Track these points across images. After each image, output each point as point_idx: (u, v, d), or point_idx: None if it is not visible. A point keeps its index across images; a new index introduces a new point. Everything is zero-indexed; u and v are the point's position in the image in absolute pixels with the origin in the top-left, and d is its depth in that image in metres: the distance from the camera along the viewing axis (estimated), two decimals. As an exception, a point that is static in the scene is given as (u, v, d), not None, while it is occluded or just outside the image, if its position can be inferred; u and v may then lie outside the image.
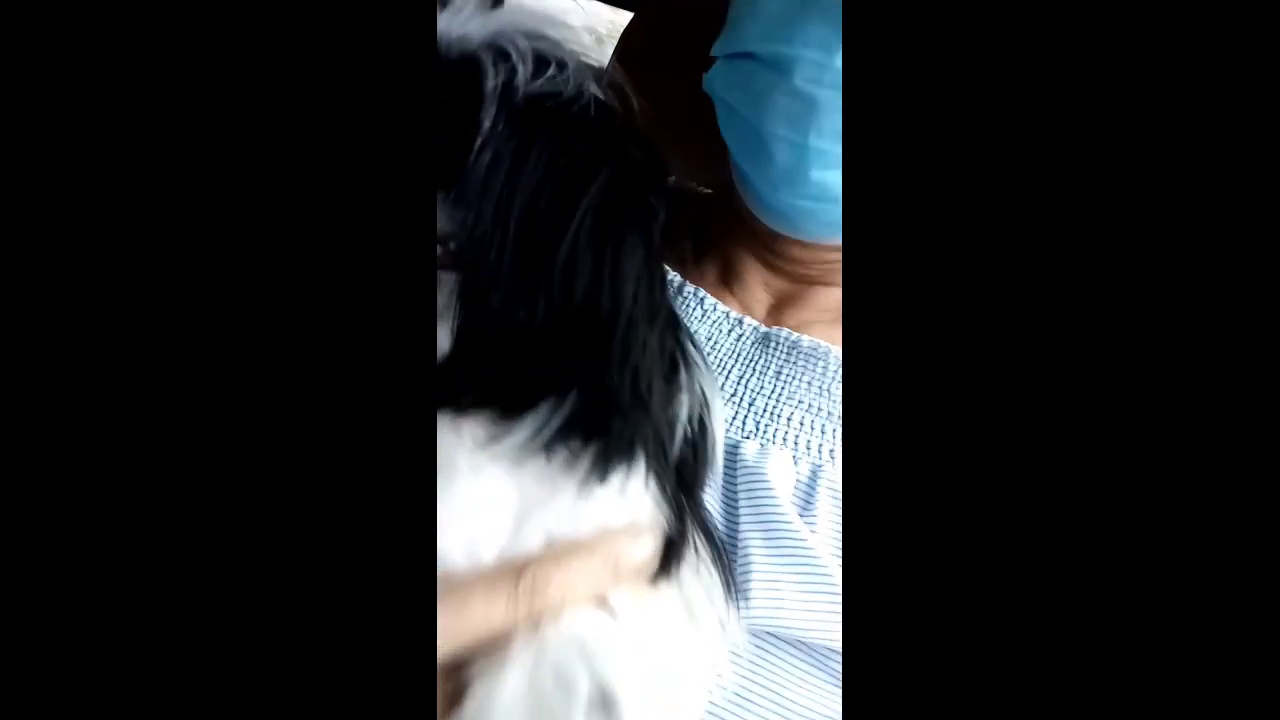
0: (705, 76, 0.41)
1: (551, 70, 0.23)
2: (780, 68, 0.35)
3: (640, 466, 0.24)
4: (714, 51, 0.41)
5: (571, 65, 0.24)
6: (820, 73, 0.34)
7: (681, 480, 0.27)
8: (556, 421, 0.21)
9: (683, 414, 0.26)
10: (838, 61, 0.33)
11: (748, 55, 0.37)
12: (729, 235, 0.45)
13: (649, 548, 0.25)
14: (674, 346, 0.27)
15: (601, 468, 0.22)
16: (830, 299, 0.43)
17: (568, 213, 0.21)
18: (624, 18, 0.66)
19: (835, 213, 0.37)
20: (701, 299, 0.42)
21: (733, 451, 0.38)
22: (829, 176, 0.36)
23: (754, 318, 0.43)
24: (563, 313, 0.21)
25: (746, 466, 0.36)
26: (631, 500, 0.24)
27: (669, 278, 0.44)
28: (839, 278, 0.42)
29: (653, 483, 0.25)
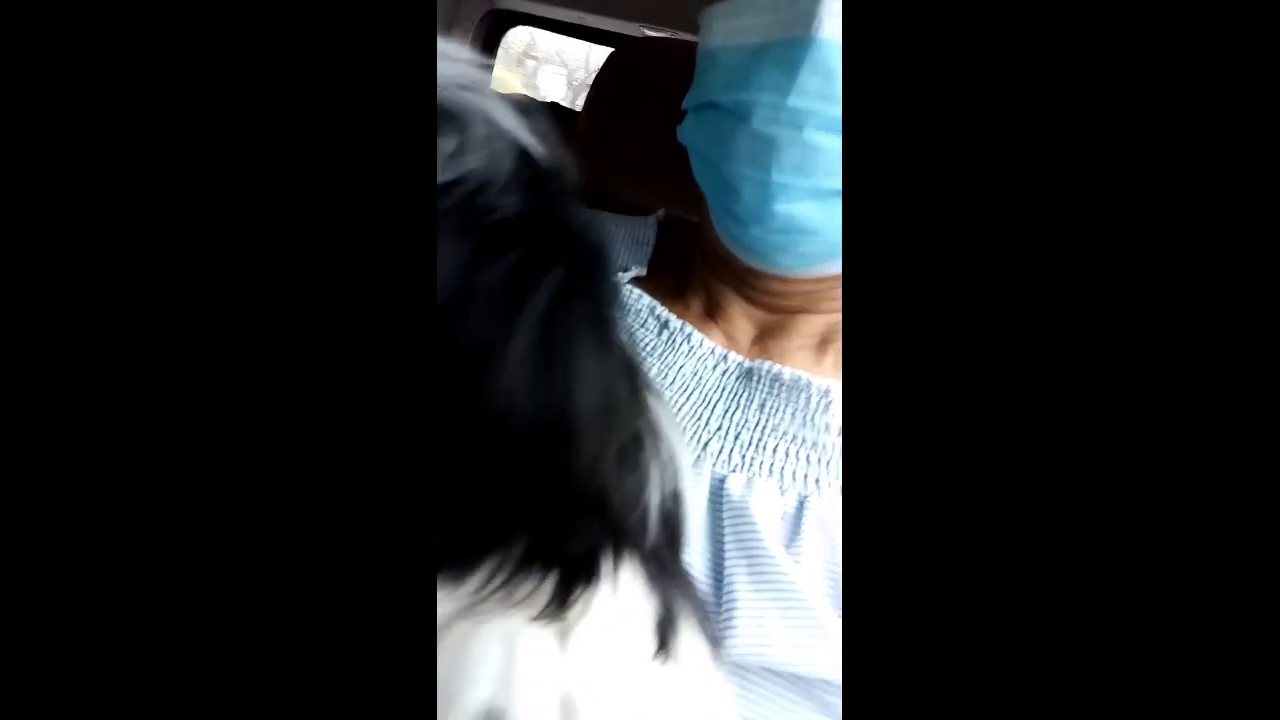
0: (679, 129, 0.42)
1: (453, 147, 0.21)
2: (739, 113, 0.36)
3: (608, 575, 0.23)
4: (684, 105, 0.42)
5: (479, 137, 0.22)
6: (775, 113, 0.35)
7: (660, 563, 0.26)
8: (510, 563, 0.20)
9: (654, 497, 0.25)
10: (790, 101, 0.34)
11: (712, 105, 0.38)
12: (710, 270, 0.45)
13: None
14: (639, 422, 0.25)
15: (562, 594, 0.21)
16: (812, 325, 0.43)
17: (504, 335, 0.20)
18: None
19: (804, 244, 0.38)
20: (688, 335, 0.43)
21: (719, 486, 0.38)
22: (794, 209, 0.36)
23: (739, 349, 0.43)
24: (514, 436, 0.20)
25: (732, 503, 0.37)
26: (603, 612, 0.23)
27: (657, 312, 0.44)
28: (819, 304, 0.43)
29: (629, 581, 0.24)
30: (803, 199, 0.36)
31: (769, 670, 0.34)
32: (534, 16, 1.36)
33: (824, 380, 0.40)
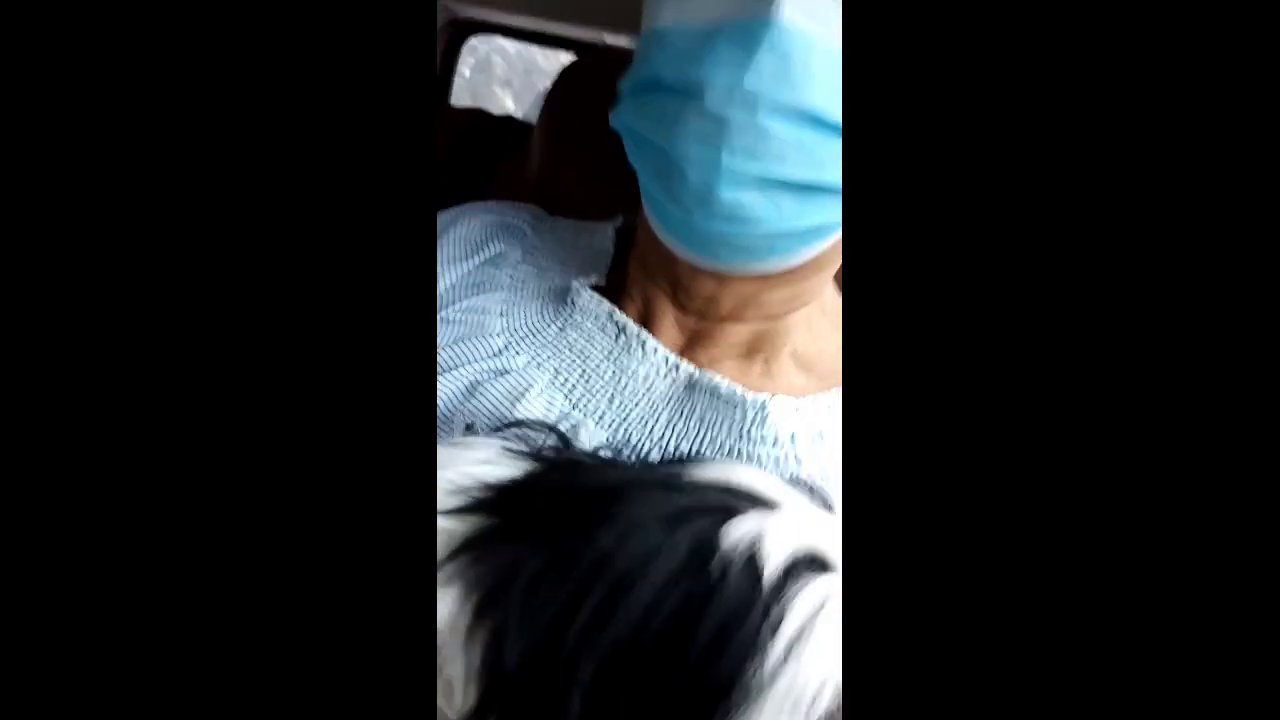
0: (611, 114, 0.40)
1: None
2: (690, 92, 0.34)
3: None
4: (621, 86, 0.40)
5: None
6: (730, 93, 0.33)
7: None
8: None
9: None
10: (747, 82, 0.33)
11: (656, 84, 0.36)
12: (646, 274, 0.45)
13: None
14: None
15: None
16: (739, 334, 0.44)
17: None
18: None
19: (748, 237, 0.37)
20: (644, 341, 0.43)
21: None
22: (742, 196, 0.35)
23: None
24: None
25: None
26: None
27: (615, 317, 0.44)
28: (746, 313, 0.43)
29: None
30: (749, 186, 0.35)
31: None
32: (495, 24, 1.36)
33: (758, 395, 0.41)
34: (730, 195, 0.35)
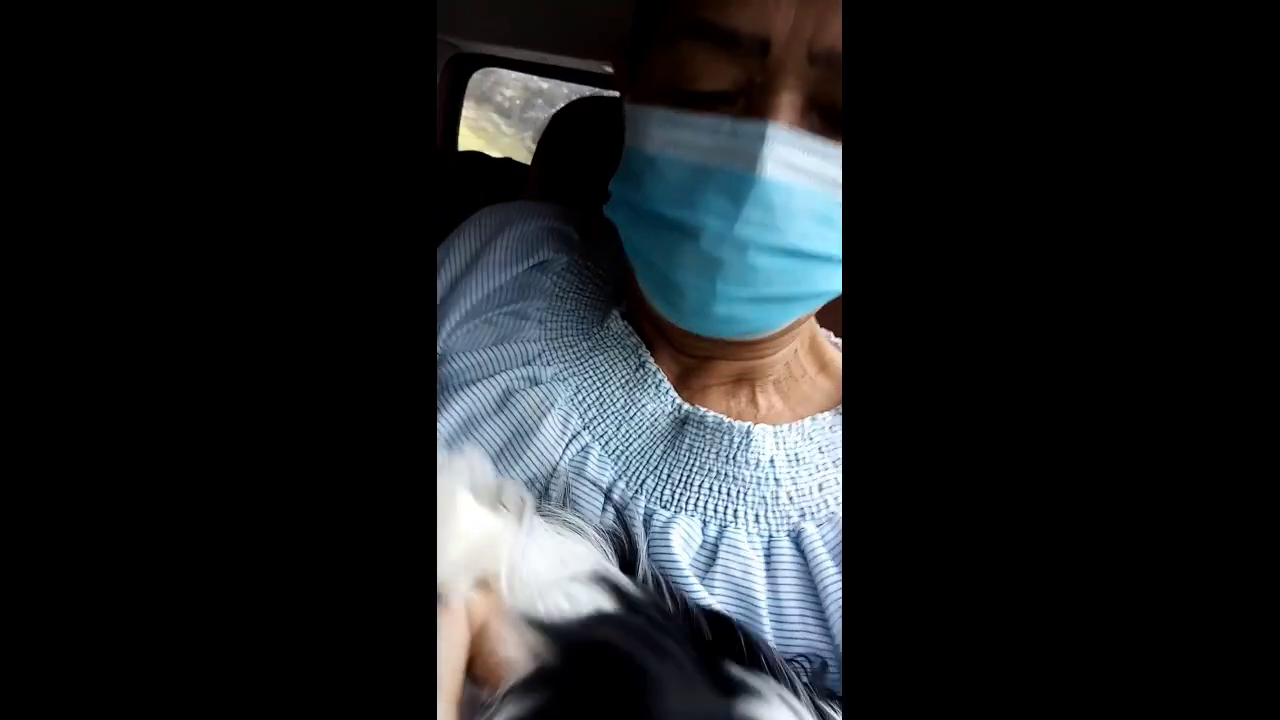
0: (606, 208, 0.45)
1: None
2: (687, 232, 0.38)
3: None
4: (613, 190, 0.44)
5: None
6: (722, 239, 0.38)
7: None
8: None
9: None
10: (737, 230, 0.37)
11: (654, 215, 0.40)
12: (643, 319, 0.50)
13: None
14: None
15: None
16: (729, 369, 0.48)
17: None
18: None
19: (742, 327, 0.42)
20: (659, 381, 0.48)
21: (648, 519, 0.43)
22: (734, 310, 0.40)
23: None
24: None
25: (654, 535, 0.42)
26: None
27: (640, 353, 0.49)
28: (741, 354, 0.48)
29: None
30: (740, 303, 0.40)
31: None
32: (498, 58, 1.40)
33: (743, 423, 0.45)
34: (724, 310, 0.41)
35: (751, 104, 0.36)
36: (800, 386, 0.50)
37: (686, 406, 0.47)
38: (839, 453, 0.46)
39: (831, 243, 0.38)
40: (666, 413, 0.47)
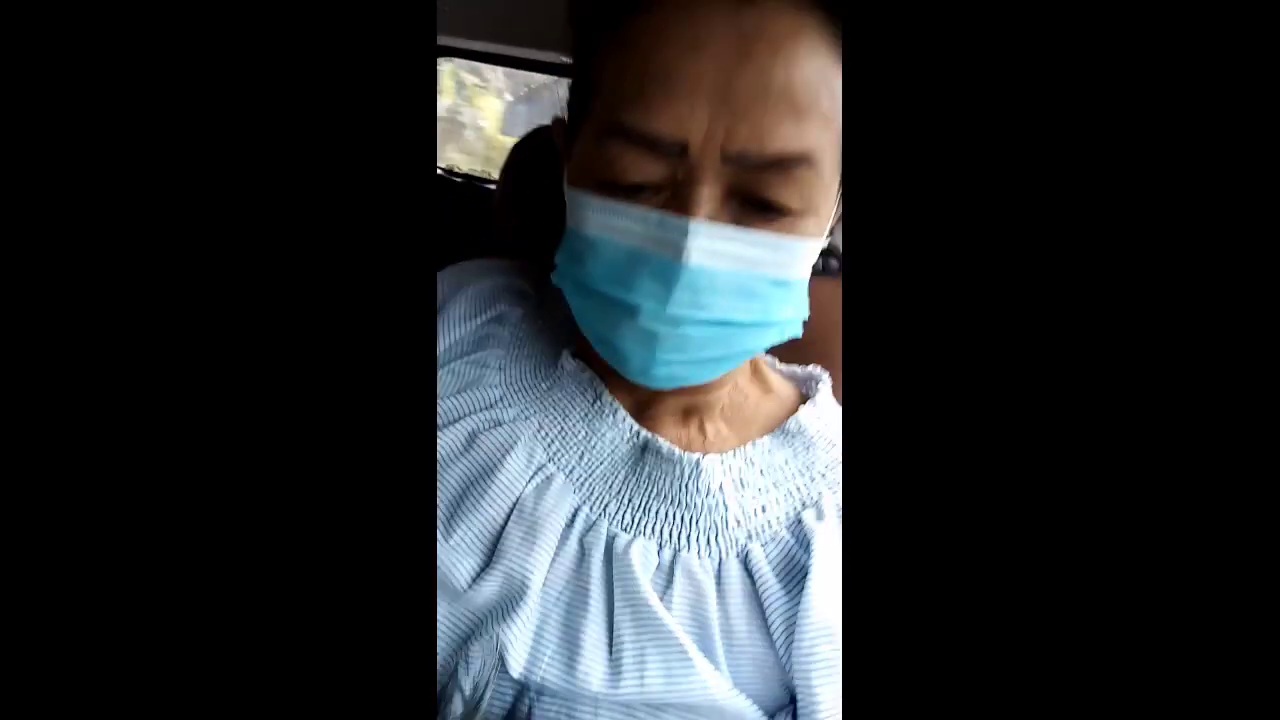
0: (553, 277, 0.49)
1: None
2: (625, 309, 0.43)
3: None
4: (558, 262, 0.48)
5: None
6: (656, 317, 0.43)
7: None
8: None
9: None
10: (669, 310, 0.43)
11: (598, 293, 0.45)
12: (593, 353, 0.53)
13: None
14: None
15: None
16: (679, 403, 0.53)
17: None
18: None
19: (682, 382, 0.48)
20: (615, 410, 0.53)
21: (610, 543, 0.48)
22: (675, 371, 0.46)
23: None
24: None
25: (617, 556, 0.47)
26: None
27: (595, 386, 0.53)
28: (685, 390, 0.52)
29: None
30: (679, 365, 0.45)
31: (648, 705, 0.43)
32: (460, 49, 1.40)
33: (693, 455, 0.50)
34: (664, 371, 0.46)
35: (676, 196, 0.41)
36: (744, 412, 0.55)
37: (645, 434, 0.51)
38: (778, 474, 0.52)
39: (755, 311, 0.44)
40: (625, 439, 0.51)
